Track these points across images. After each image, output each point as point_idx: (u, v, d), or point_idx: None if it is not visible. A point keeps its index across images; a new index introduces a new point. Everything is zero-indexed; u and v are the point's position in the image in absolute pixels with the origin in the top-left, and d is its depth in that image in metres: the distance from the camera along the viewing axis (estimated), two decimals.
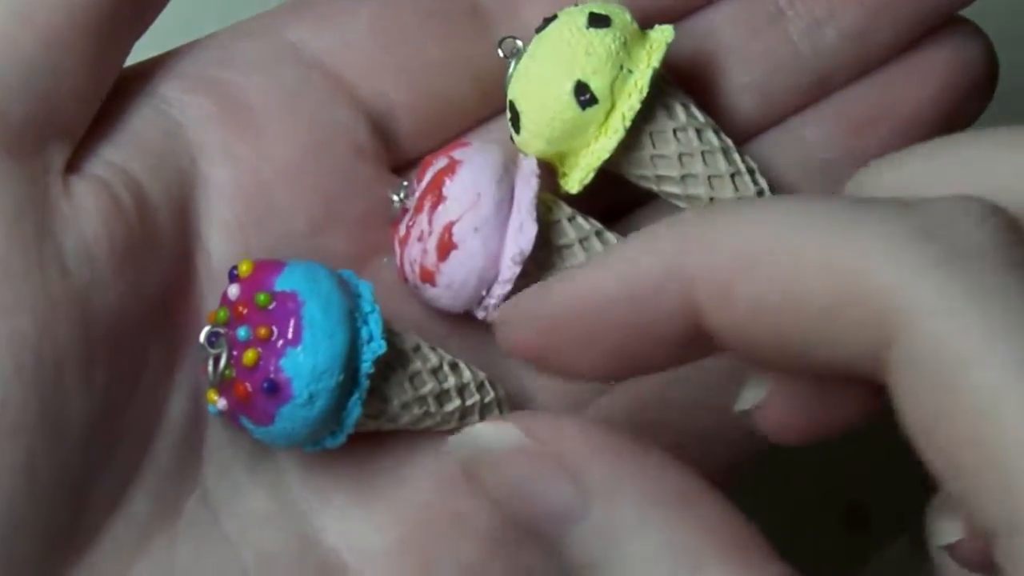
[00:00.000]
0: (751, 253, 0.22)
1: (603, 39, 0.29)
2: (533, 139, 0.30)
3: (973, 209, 0.21)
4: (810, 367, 0.23)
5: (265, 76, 0.31)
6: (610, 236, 0.31)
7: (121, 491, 0.28)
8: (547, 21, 0.30)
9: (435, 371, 0.29)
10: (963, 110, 0.33)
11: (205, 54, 0.31)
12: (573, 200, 0.31)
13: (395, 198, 0.31)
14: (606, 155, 0.30)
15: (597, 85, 0.29)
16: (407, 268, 0.30)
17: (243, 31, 0.32)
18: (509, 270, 0.30)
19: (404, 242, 0.30)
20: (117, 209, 0.28)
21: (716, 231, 0.23)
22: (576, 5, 0.30)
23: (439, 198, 0.30)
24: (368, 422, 0.28)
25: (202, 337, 0.27)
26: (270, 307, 0.26)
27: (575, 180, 0.31)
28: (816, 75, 0.32)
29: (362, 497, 0.30)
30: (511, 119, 0.31)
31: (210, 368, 0.26)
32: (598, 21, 0.30)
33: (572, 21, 0.30)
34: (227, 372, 0.26)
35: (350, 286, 0.27)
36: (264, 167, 0.30)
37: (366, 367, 0.27)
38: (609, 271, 0.23)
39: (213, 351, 0.26)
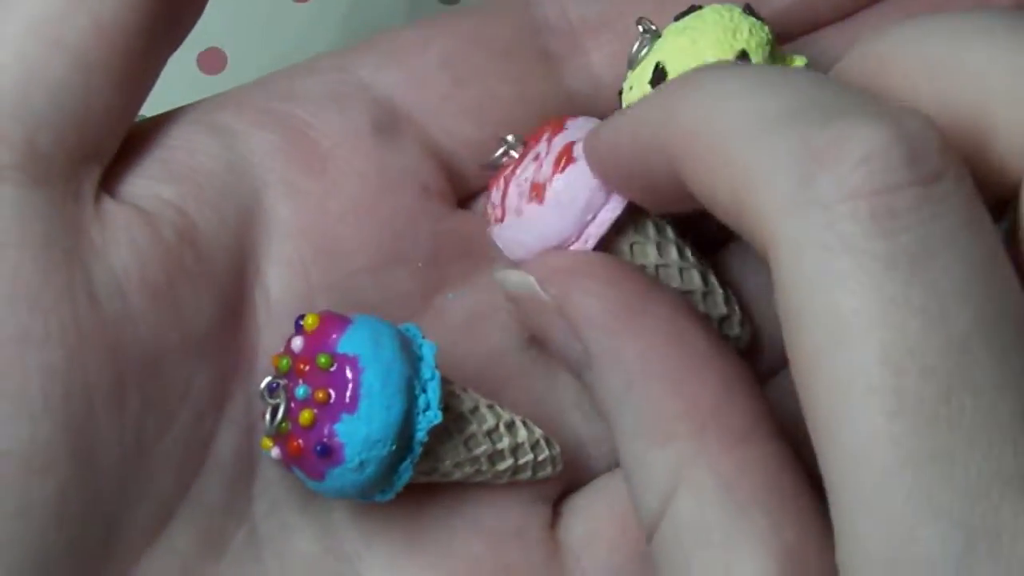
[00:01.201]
0: (692, 138, 0.23)
1: (763, 26, 0.30)
2: None
3: (875, 132, 0.20)
4: None
5: (332, 111, 0.31)
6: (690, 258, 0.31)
7: (161, 524, 0.27)
8: (692, 8, 0.30)
9: (490, 432, 0.29)
10: None
11: (273, 87, 0.31)
12: None
13: (508, 139, 0.30)
14: None
15: (756, 60, 0.29)
16: (512, 193, 0.29)
17: (312, 67, 0.32)
18: (618, 198, 0.29)
19: (511, 174, 0.29)
20: (155, 240, 0.27)
21: (678, 107, 0.24)
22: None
23: (559, 128, 0.29)
24: (420, 477, 0.28)
25: (262, 385, 0.27)
26: (330, 369, 0.26)
27: None
28: None
29: (410, 546, 0.29)
30: (651, 80, 0.30)
31: (267, 417, 0.27)
32: (753, 13, 0.30)
33: (727, 8, 0.30)
34: (283, 425, 0.26)
35: (412, 348, 0.27)
36: (329, 204, 0.30)
37: (420, 436, 0.27)
38: (624, 126, 0.26)
39: (271, 401, 0.27)
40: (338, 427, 0.26)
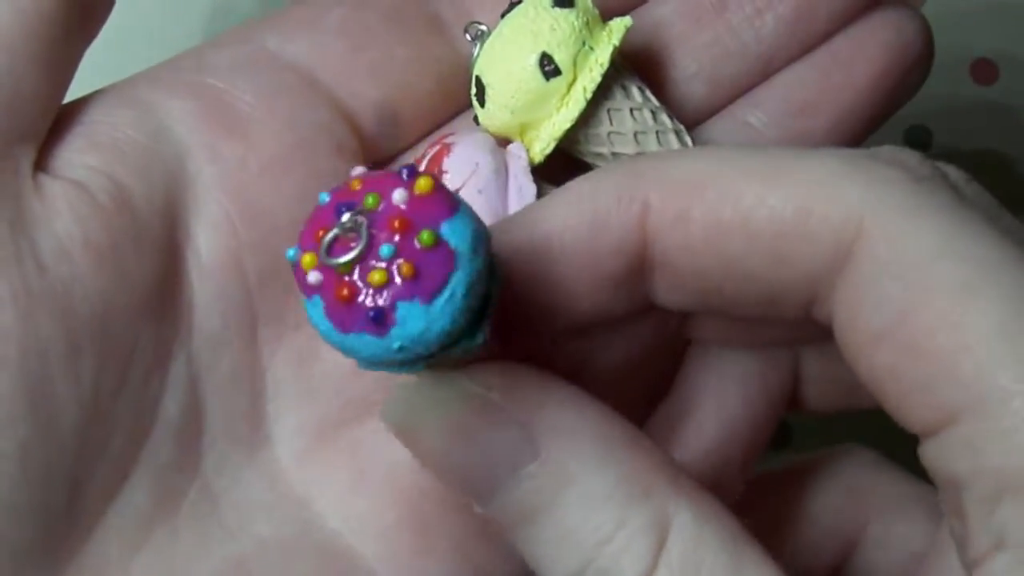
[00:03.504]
0: (708, 177, 0.24)
1: (567, 17, 0.31)
2: (498, 111, 0.32)
3: (913, 153, 0.23)
4: (748, 299, 0.25)
5: (245, 79, 0.32)
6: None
7: (119, 482, 0.28)
8: (512, 5, 0.32)
9: None
10: (902, 88, 0.34)
11: (185, 63, 0.32)
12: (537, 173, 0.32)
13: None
14: (567, 125, 0.31)
15: (561, 57, 0.31)
16: None
17: (220, 42, 0.33)
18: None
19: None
20: (93, 208, 0.28)
21: (672, 162, 0.25)
22: None
23: (440, 173, 0.31)
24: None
25: (346, 217, 0.23)
26: (429, 250, 0.23)
27: (538, 151, 0.32)
28: (759, 60, 0.34)
29: (358, 483, 0.30)
30: (476, 94, 0.32)
31: (328, 242, 0.23)
32: (562, 2, 0.32)
33: (537, 2, 0.32)
34: (345, 265, 0.24)
35: (494, 267, 0.25)
36: (250, 165, 0.31)
37: (456, 351, 0.24)
38: (561, 206, 0.25)
39: (344, 228, 0.23)
40: (401, 305, 0.23)
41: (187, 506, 0.29)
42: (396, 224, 0.23)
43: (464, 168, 0.31)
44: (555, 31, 0.31)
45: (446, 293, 0.23)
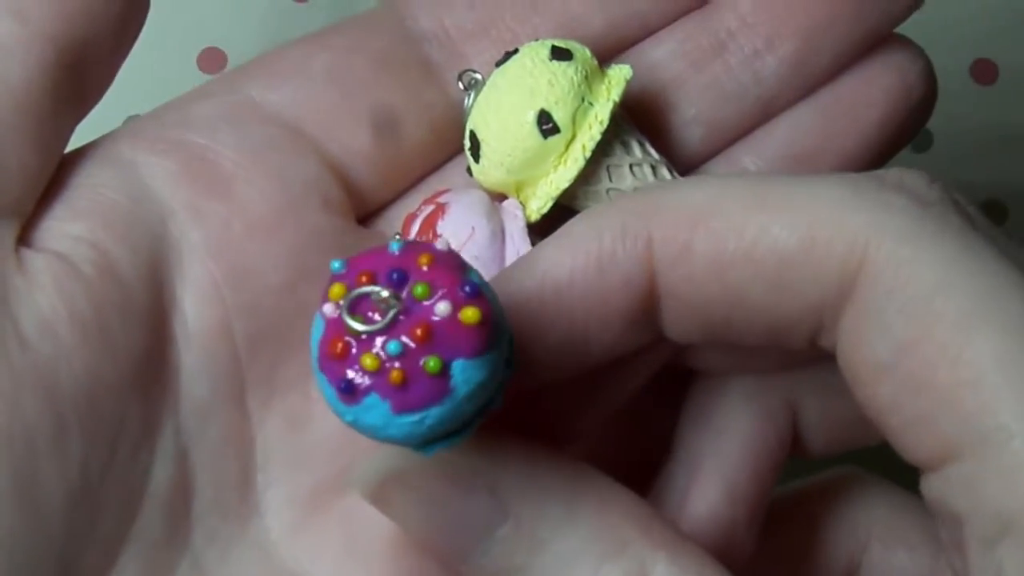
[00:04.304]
0: (710, 208, 0.23)
1: (565, 71, 0.30)
2: (493, 168, 0.31)
3: (920, 175, 0.23)
4: (754, 329, 0.24)
5: (228, 134, 0.31)
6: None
7: (109, 563, 0.27)
8: (508, 55, 0.31)
9: None
10: (905, 131, 0.34)
11: (166, 116, 0.31)
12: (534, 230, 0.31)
13: None
14: (566, 184, 0.30)
15: (559, 115, 0.30)
16: None
17: (201, 93, 0.32)
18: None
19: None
20: (77, 280, 0.27)
21: (672, 195, 0.24)
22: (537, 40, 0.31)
23: (434, 237, 0.30)
24: None
25: (385, 294, 0.22)
26: (425, 375, 0.22)
27: (534, 210, 0.31)
28: (759, 103, 0.33)
29: (352, 555, 0.29)
30: (470, 149, 0.31)
31: (358, 291, 0.22)
32: (560, 54, 0.30)
33: (535, 53, 0.31)
34: (353, 329, 0.22)
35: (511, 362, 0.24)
36: (235, 226, 0.30)
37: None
38: (564, 249, 0.25)
39: (379, 297, 0.22)
40: (371, 396, 0.22)
41: None
42: (418, 332, 0.22)
43: (459, 232, 0.30)
44: (553, 86, 0.30)
45: (415, 417, 0.22)
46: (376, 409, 0.22)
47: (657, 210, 0.24)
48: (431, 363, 0.21)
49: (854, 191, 0.23)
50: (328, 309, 0.22)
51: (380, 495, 0.25)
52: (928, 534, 0.29)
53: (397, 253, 0.22)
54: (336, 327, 0.22)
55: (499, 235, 0.30)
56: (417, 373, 0.21)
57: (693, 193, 0.24)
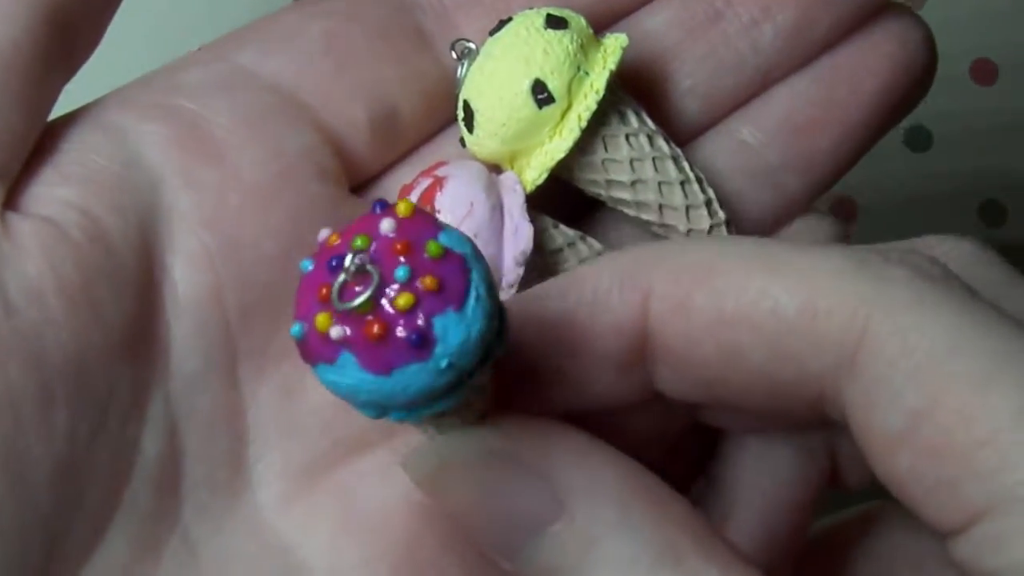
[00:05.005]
0: (712, 267, 0.23)
1: (560, 40, 0.30)
2: (487, 138, 0.30)
3: (924, 254, 0.23)
4: (754, 393, 0.24)
5: (221, 100, 0.30)
6: (592, 241, 0.31)
7: (97, 533, 0.27)
8: (502, 23, 0.31)
9: None
10: (907, 100, 0.33)
11: (158, 82, 0.30)
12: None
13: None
14: (561, 155, 0.30)
15: (554, 84, 0.29)
16: None
17: (194, 60, 0.31)
18: (512, 272, 0.30)
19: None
20: (65, 246, 0.27)
21: (676, 250, 0.24)
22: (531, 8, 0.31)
23: (431, 212, 0.29)
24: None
25: (348, 261, 0.23)
26: (441, 259, 0.23)
27: (529, 180, 0.31)
28: (757, 73, 0.32)
29: (347, 530, 0.29)
30: (464, 119, 0.31)
31: (336, 290, 0.23)
32: (556, 23, 0.30)
33: (529, 22, 0.30)
34: (364, 304, 0.23)
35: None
36: (229, 193, 0.29)
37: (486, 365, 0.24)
38: (565, 285, 0.24)
39: (351, 272, 0.23)
40: (437, 320, 0.22)
41: (168, 556, 0.28)
42: (399, 247, 0.22)
43: (458, 208, 0.29)
44: (548, 55, 0.29)
45: (473, 294, 0.22)
46: (450, 326, 0.22)
47: (659, 263, 0.24)
48: (432, 248, 0.22)
49: (857, 263, 0.23)
50: (336, 333, 0.22)
51: (433, 483, 0.25)
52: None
53: (314, 261, 0.23)
54: (357, 327, 0.22)
55: (498, 210, 0.30)
56: (436, 267, 0.22)
57: (697, 250, 0.24)
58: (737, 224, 0.32)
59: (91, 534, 0.27)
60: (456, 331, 0.22)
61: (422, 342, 0.22)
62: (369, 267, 0.23)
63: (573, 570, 0.23)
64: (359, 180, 0.32)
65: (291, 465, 0.30)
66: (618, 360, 0.24)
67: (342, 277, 0.22)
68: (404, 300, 0.22)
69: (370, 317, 0.22)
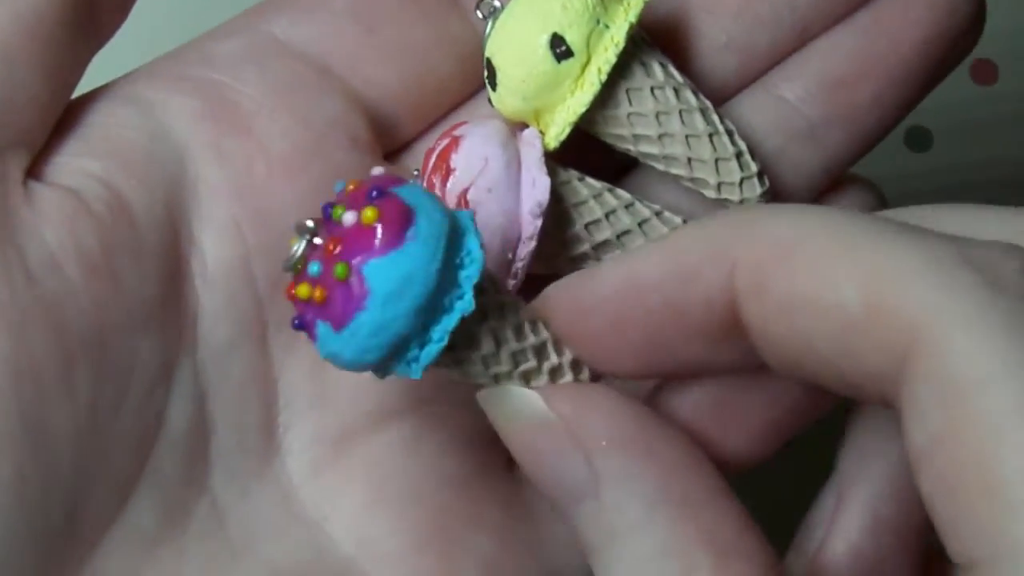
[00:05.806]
0: (792, 244, 0.22)
1: None
2: (509, 96, 0.30)
3: (1018, 256, 0.21)
4: (825, 378, 0.23)
5: (250, 71, 0.30)
6: (621, 192, 0.31)
7: (121, 500, 0.27)
8: None
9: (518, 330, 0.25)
10: (952, 54, 0.32)
11: (186, 55, 0.31)
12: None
13: (308, 224, 0.30)
14: (582, 109, 0.30)
15: (573, 38, 0.29)
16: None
17: (223, 31, 0.31)
18: (531, 225, 0.30)
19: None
20: (87, 215, 0.27)
21: (762, 221, 0.23)
22: None
23: (448, 171, 0.29)
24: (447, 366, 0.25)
25: (308, 224, 0.24)
26: (382, 200, 0.23)
27: (552, 136, 0.30)
28: (794, 28, 0.32)
29: (375, 501, 0.29)
30: (487, 76, 0.31)
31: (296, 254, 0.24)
32: None
33: None
34: (297, 265, 0.24)
35: (459, 229, 0.24)
36: (257, 164, 0.29)
37: (450, 322, 0.24)
38: (654, 254, 0.24)
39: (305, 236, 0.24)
40: (319, 324, 0.23)
41: (195, 524, 0.28)
42: (331, 247, 0.23)
43: (472, 165, 0.29)
44: (567, 9, 0.29)
45: (350, 328, 0.23)
46: (326, 336, 0.23)
47: (745, 235, 0.23)
48: (338, 270, 0.22)
49: (930, 262, 0.21)
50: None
51: (499, 428, 0.25)
52: None
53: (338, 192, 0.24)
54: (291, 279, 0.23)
55: (515, 164, 0.30)
56: (332, 285, 0.23)
57: (778, 223, 0.23)
58: (779, 183, 0.32)
59: (115, 500, 0.27)
60: (330, 344, 0.23)
61: (358, 282, 0.23)
62: (303, 245, 0.24)
63: (600, 553, 0.23)
64: (394, 146, 0.32)
65: (321, 434, 0.30)
66: (708, 333, 0.23)
67: (303, 244, 0.24)
68: (302, 291, 0.23)
69: (309, 284, 0.23)
